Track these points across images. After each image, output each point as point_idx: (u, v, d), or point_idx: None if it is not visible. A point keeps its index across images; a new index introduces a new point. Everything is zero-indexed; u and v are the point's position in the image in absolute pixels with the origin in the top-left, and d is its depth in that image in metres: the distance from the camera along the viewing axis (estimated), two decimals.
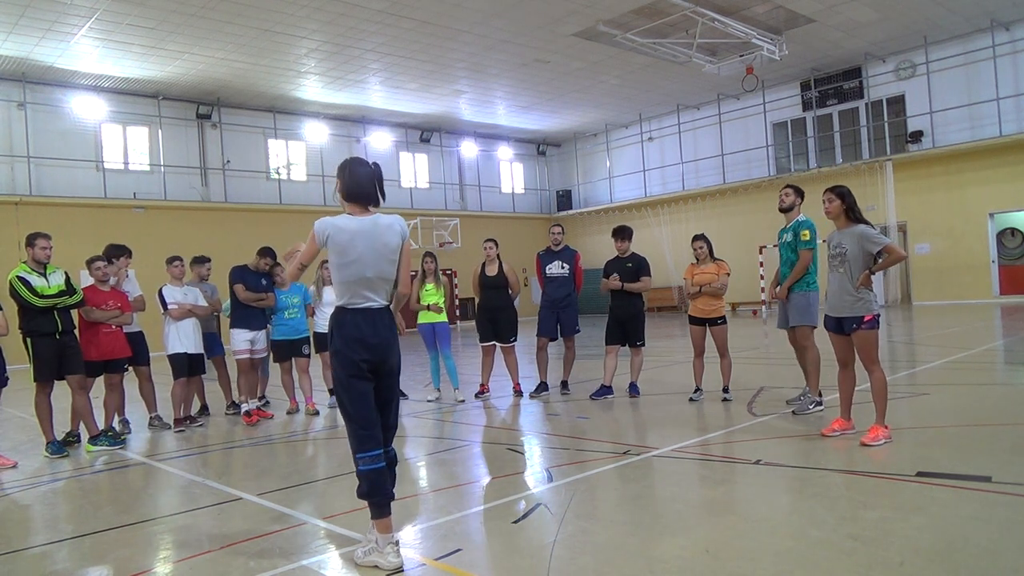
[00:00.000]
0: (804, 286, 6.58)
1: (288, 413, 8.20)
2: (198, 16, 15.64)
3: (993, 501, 3.86)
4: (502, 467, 5.42)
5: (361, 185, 3.58)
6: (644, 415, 7.11)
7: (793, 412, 6.54)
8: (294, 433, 7.29)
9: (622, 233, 8.04)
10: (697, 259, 7.60)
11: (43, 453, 6.54)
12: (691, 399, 7.44)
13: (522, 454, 5.85)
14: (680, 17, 17.27)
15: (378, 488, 3.45)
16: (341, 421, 4.11)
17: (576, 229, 28.99)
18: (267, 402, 8.55)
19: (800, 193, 6.83)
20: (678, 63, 20.33)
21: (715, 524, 3.82)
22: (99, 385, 7.21)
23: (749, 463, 4.96)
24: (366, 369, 3.50)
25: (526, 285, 26.53)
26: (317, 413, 8.05)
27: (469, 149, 28.68)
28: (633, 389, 7.97)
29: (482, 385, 8.62)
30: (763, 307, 22.57)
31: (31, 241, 6.58)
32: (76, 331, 6.77)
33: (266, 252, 8.04)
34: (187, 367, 7.61)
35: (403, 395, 8.92)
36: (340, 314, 3.56)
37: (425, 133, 27.02)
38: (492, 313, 8.45)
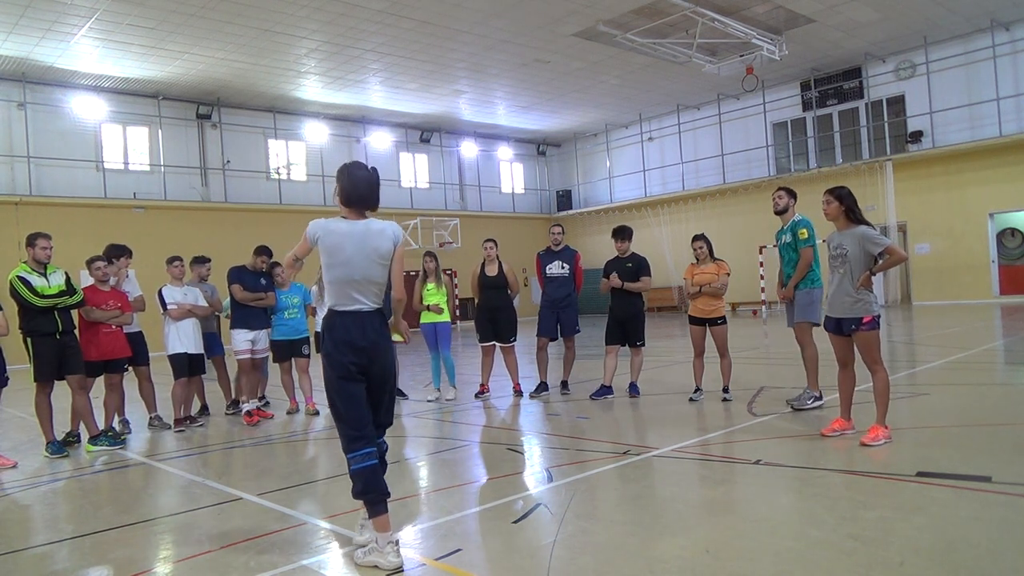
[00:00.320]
0: (808, 283, 6.64)
1: (288, 413, 8.20)
2: (198, 16, 15.64)
3: (993, 501, 3.86)
4: (502, 467, 5.42)
5: (358, 191, 3.62)
6: (644, 415, 7.11)
7: (792, 408, 6.55)
8: (294, 433, 7.30)
9: (622, 233, 8.04)
10: (697, 259, 7.60)
11: (43, 453, 6.54)
12: (691, 399, 7.44)
13: (522, 454, 5.84)
14: (680, 17, 17.27)
15: (372, 485, 3.46)
16: None
17: (576, 229, 28.99)
18: (267, 402, 8.55)
19: (793, 194, 6.92)
20: (678, 63, 20.34)
21: (715, 524, 3.82)
22: (99, 385, 7.21)
23: (749, 463, 4.96)
24: (355, 371, 3.53)
25: (526, 285, 26.52)
26: (317, 413, 8.05)
27: (469, 149, 28.68)
28: (633, 389, 7.97)
29: (482, 385, 8.61)
30: (763, 307, 22.57)
31: (31, 241, 6.58)
32: (76, 331, 6.77)
33: (262, 250, 8.05)
34: (187, 367, 7.61)
35: (403, 395, 8.93)
36: (330, 317, 3.61)
37: (425, 133, 27.02)
38: (492, 313, 8.45)
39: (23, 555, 3.95)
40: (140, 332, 7.66)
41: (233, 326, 7.96)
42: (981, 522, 3.54)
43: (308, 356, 8.35)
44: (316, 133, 24.40)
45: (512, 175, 30.73)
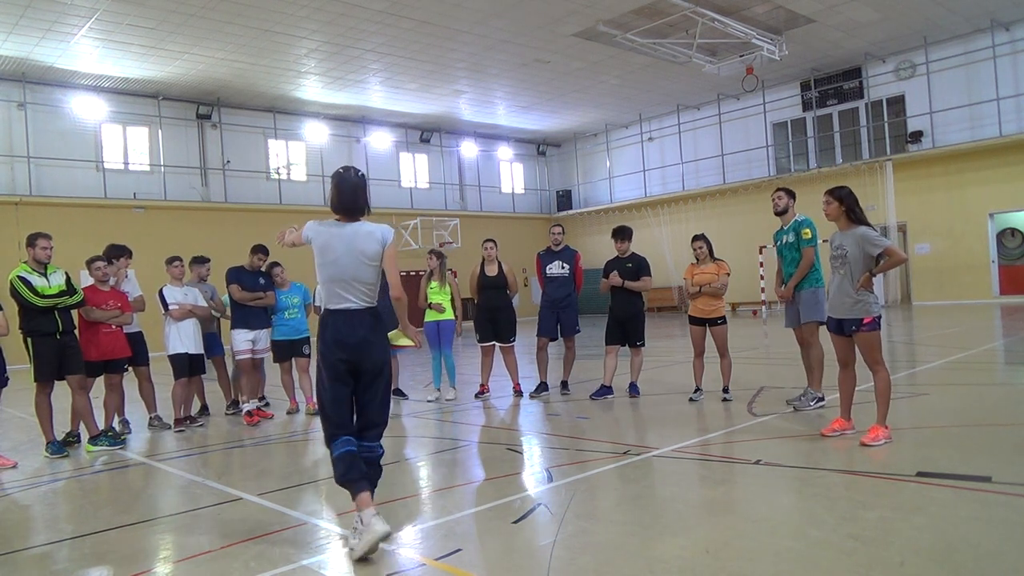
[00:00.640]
0: (812, 283, 6.62)
1: (288, 413, 8.20)
2: (198, 16, 15.64)
3: (993, 501, 3.86)
4: (502, 467, 5.42)
5: (343, 199, 3.79)
6: (644, 415, 7.11)
7: (793, 408, 6.56)
8: (294, 433, 7.30)
9: (622, 233, 8.04)
10: (697, 259, 7.60)
11: (43, 453, 6.53)
12: (691, 399, 7.44)
13: (522, 454, 5.85)
14: (680, 17, 17.27)
15: (352, 466, 3.61)
16: None
17: (576, 229, 28.99)
18: (267, 402, 8.54)
19: (792, 194, 6.91)
20: (678, 63, 20.33)
21: (715, 524, 3.82)
22: (99, 385, 7.21)
23: (749, 463, 4.96)
24: (344, 370, 3.68)
25: (526, 285, 26.53)
26: (317, 413, 8.04)
27: (469, 149, 28.68)
28: (633, 389, 7.97)
29: (482, 385, 8.61)
30: (763, 307, 22.57)
31: (32, 241, 6.58)
32: (76, 331, 6.77)
33: (259, 248, 8.06)
34: (187, 367, 7.61)
35: (403, 395, 8.93)
36: (324, 316, 3.81)
37: (425, 133, 27.02)
38: (492, 313, 8.45)
39: (23, 555, 3.95)
40: (140, 332, 7.66)
41: (233, 326, 7.97)
42: (981, 522, 3.54)
43: (308, 356, 8.34)
44: (316, 133, 24.40)
45: (512, 175, 30.73)
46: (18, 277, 6.38)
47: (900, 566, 3.06)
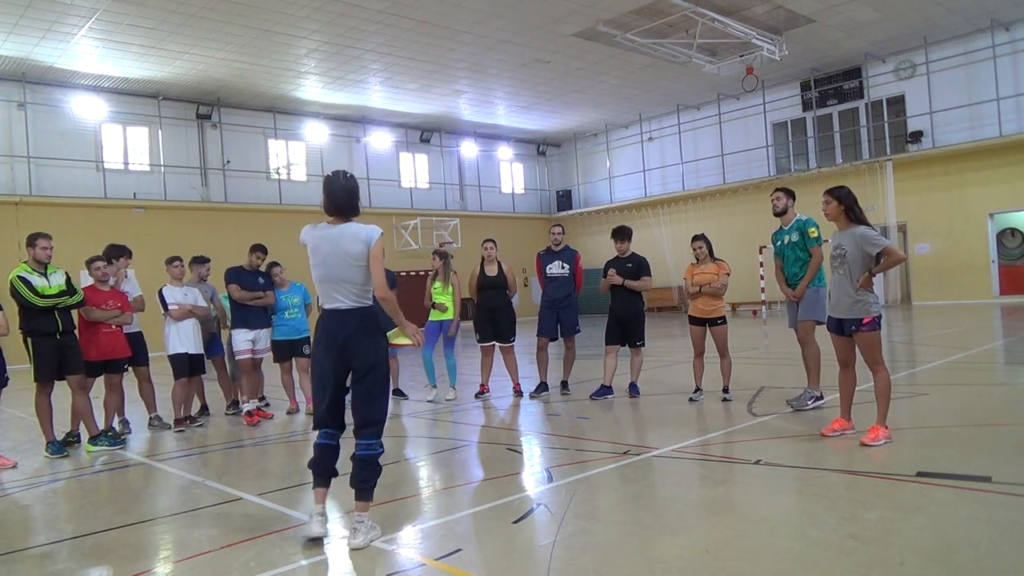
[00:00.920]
0: (814, 281, 6.61)
1: (288, 413, 8.20)
2: (198, 16, 15.64)
3: (993, 501, 3.86)
4: (502, 467, 5.42)
5: (336, 203, 3.90)
6: (644, 415, 7.11)
7: (793, 408, 6.56)
8: (294, 433, 7.29)
9: (621, 234, 8.04)
10: (697, 259, 7.60)
11: (43, 453, 6.54)
12: (691, 399, 7.44)
13: (522, 454, 5.85)
14: (680, 17, 17.27)
15: (319, 462, 3.85)
16: None
17: (576, 229, 28.99)
18: (267, 403, 8.54)
19: (791, 194, 6.86)
20: (678, 63, 20.33)
21: (715, 524, 3.82)
22: (99, 385, 7.21)
23: (749, 463, 4.96)
24: (330, 367, 3.82)
25: (526, 285, 26.53)
26: None
27: (469, 149, 28.67)
28: (633, 389, 7.97)
29: (482, 385, 8.62)
30: (763, 307, 22.57)
31: (32, 241, 6.58)
32: (76, 331, 6.77)
33: (257, 248, 8.07)
34: (187, 367, 7.61)
35: (403, 395, 8.93)
36: (320, 315, 3.99)
37: (425, 133, 27.02)
38: (492, 313, 8.45)
39: (23, 555, 3.95)
40: (140, 332, 7.66)
41: (233, 326, 7.98)
42: (981, 522, 3.54)
43: (308, 356, 8.33)
44: (316, 133, 24.39)
45: (512, 175, 30.72)
46: (18, 277, 6.38)
47: (900, 566, 3.06)
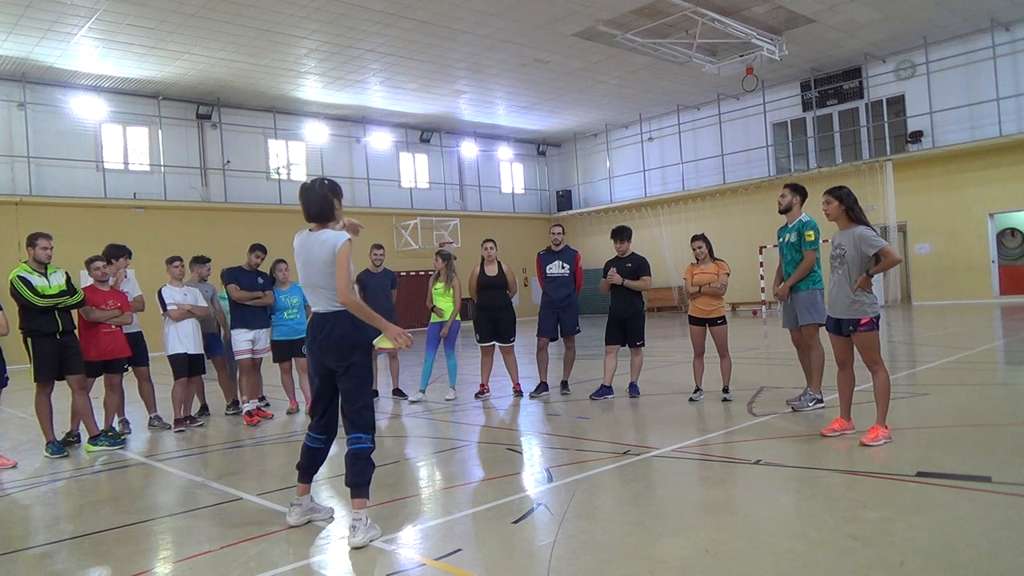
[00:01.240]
0: (811, 284, 6.57)
1: (288, 413, 8.20)
2: (198, 16, 15.64)
3: (993, 501, 3.86)
4: (502, 467, 5.42)
5: (307, 209, 4.02)
6: (644, 415, 7.11)
7: (792, 409, 6.56)
8: (294, 433, 7.29)
9: (621, 234, 8.04)
10: (697, 259, 7.60)
11: (43, 453, 6.54)
12: (691, 399, 7.44)
13: (522, 454, 5.85)
14: (680, 17, 17.28)
15: (303, 461, 4.09)
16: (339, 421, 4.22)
17: (576, 229, 28.99)
18: (267, 403, 8.55)
19: (799, 191, 6.72)
20: (678, 63, 20.34)
21: (715, 524, 3.82)
22: (99, 385, 7.21)
23: (749, 463, 4.96)
24: (314, 368, 4.01)
25: (526, 285, 26.54)
26: None
27: (469, 149, 28.68)
28: (633, 389, 7.98)
29: (482, 385, 8.62)
30: (763, 307, 22.58)
31: (32, 241, 6.59)
32: (76, 331, 6.77)
33: (256, 247, 8.09)
34: (187, 367, 7.61)
35: (403, 395, 8.93)
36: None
37: (425, 133, 27.02)
38: (492, 313, 8.45)
39: (23, 555, 3.95)
40: (140, 332, 7.66)
41: (233, 326, 7.98)
42: (981, 522, 3.54)
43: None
44: (316, 133, 24.40)
45: (512, 175, 30.72)
46: (18, 277, 6.39)
47: (900, 566, 3.06)
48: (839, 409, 5.62)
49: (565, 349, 8.62)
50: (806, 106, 23.99)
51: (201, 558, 3.68)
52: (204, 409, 8.44)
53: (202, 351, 7.86)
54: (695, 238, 7.63)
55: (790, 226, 6.71)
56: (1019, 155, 19.39)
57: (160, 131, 21.09)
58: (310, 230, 4.04)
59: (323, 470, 5.72)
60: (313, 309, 4.04)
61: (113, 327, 7.03)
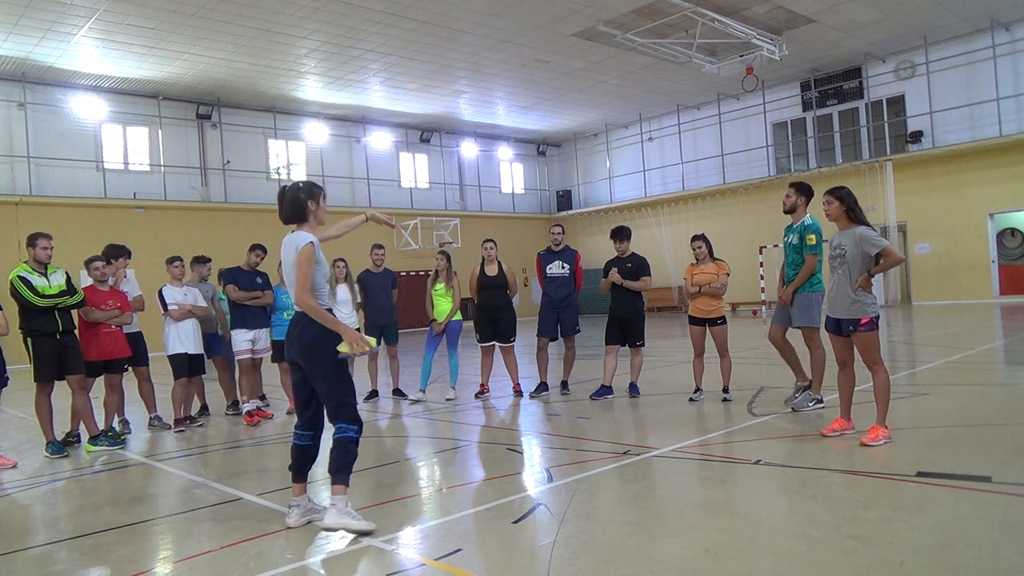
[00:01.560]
0: (808, 287, 6.54)
1: (288, 413, 8.19)
2: (198, 16, 15.64)
3: (993, 501, 3.86)
4: (502, 467, 5.42)
5: (284, 214, 4.14)
6: (644, 415, 7.11)
7: (792, 409, 6.55)
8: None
9: (620, 234, 8.04)
10: (697, 259, 7.60)
11: (43, 453, 6.54)
12: (691, 399, 7.44)
13: (522, 454, 5.85)
14: (680, 17, 17.28)
15: (294, 461, 4.13)
16: None
17: (576, 229, 28.99)
18: (268, 403, 8.54)
19: (804, 191, 6.63)
20: (678, 63, 20.34)
21: (715, 524, 3.82)
22: (99, 385, 7.21)
23: (749, 463, 4.96)
24: (294, 364, 4.08)
25: (526, 285, 26.53)
26: None
27: (469, 149, 28.67)
28: (633, 389, 7.98)
29: (482, 385, 8.62)
30: (763, 307, 22.57)
31: (32, 241, 6.59)
32: (76, 331, 6.77)
33: (256, 247, 8.10)
34: (187, 367, 7.61)
35: (403, 395, 8.93)
36: None
37: (425, 133, 27.02)
38: (493, 313, 8.45)
39: (23, 555, 3.95)
40: (139, 332, 7.66)
41: (232, 326, 7.98)
42: (981, 522, 3.54)
43: None
44: (316, 133, 24.39)
45: (512, 175, 30.72)
46: (18, 277, 6.39)
47: (900, 566, 3.06)
48: (839, 409, 5.62)
49: (565, 349, 8.62)
50: (806, 106, 23.99)
51: (201, 558, 3.68)
52: (204, 409, 8.44)
53: (202, 351, 7.86)
54: (695, 238, 7.63)
55: (793, 227, 6.67)
56: (1019, 155, 19.39)
57: (160, 131, 21.09)
58: (291, 232, 4.16)
59: (323, 470, 5.73)
60: (295, 307, 4.10)
61: (113, 327, 7.02)
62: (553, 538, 3.63)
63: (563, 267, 8.43)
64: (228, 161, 22.33)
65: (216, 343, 8.38)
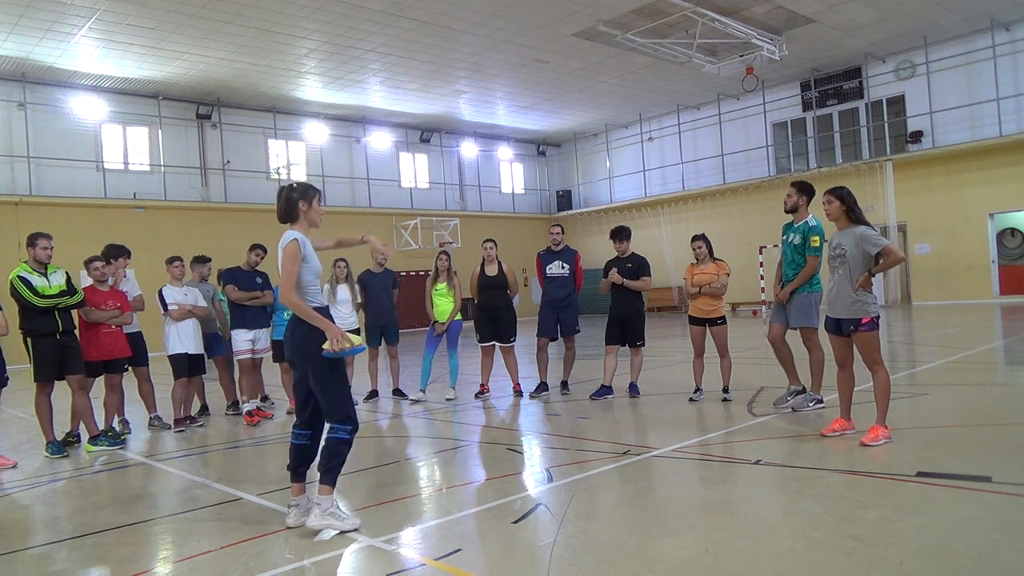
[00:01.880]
0: (808, 287, 6.52)
1: (288, 413, 8.18)
2: (198, 16, 15.64)
3: (993, 501, 3.86)
4: (502, 467, 5.42)
5: (279, 213, 4.20)
6: (644, 415, 7.11)
7: (792, 409, 6.55)
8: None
9: (620, 234, 8.04)
10: (697, 259, 7.60)
11: (43, 453, 6.54)
12: (691, 399, 7.44)
13: (522, 454, 5.85)
14: (680, 17, 17.27)
15: (292, 460, 4.16)
16: None
17: (576, 229, 29.00)
18: (272, 403, 8.54)
19: (806, 191, 6.58)
20: (678, 63, 20.34)
21: (715, 524, 3.82)
22: (99, 385, 7.21)
23: (749, 463, 4.96)
24: (291, 364, 4.15)
25: (526, 285, 26.52)
26: None
27: (469, 149, 28.67)
28: (633, 389, 7.98)
29: (482, 385, 8.62)
30: (763, 307, 22.57)
31: (32, 241, 6.59)
32: (76, 331, 6.77)
33: (256, 246, 8.11)
34: (187, 367, 7.61)
35: (403, 395, 8.93)
36: None
37: (425, 133, 27.02)
38: (493, 312, 8.45)
39: (23, 555, 3.95)
40: (139, 332, 7.66)
41: (232, 326, 7.99)
42: (981, 522, 3.54)
43: None
44: (316, 133, 24.39)
45: (512, 175, 30.72)
46: (18, 277, 6.38)
47: (900, 566, 3.06)
48: (839, 409, 5.62)
49: (565, 349, 8.62)
50: (806, 106, 23.99)
51: (201, 558, 3.68)
52: (204, 409, 8.44)
53: (202, 351, 7.86)
54: (695, 238, 7.62)
55: (795, 226, 6.62)
56: (1019, 155, 19.39)
57: (160, 131, 21.09)
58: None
59: None
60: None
61: (113, 327, 7.02)
62: (553, 538, 3.63)
63: (563, 267, 8.43)
64: (228, 161, 22.33)
65: (216, 343, 8.38)
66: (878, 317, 5.30)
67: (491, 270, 8.52)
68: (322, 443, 4.03)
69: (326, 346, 3.91)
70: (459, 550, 3.58)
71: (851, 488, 4.28)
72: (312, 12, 15.92)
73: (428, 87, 22.08)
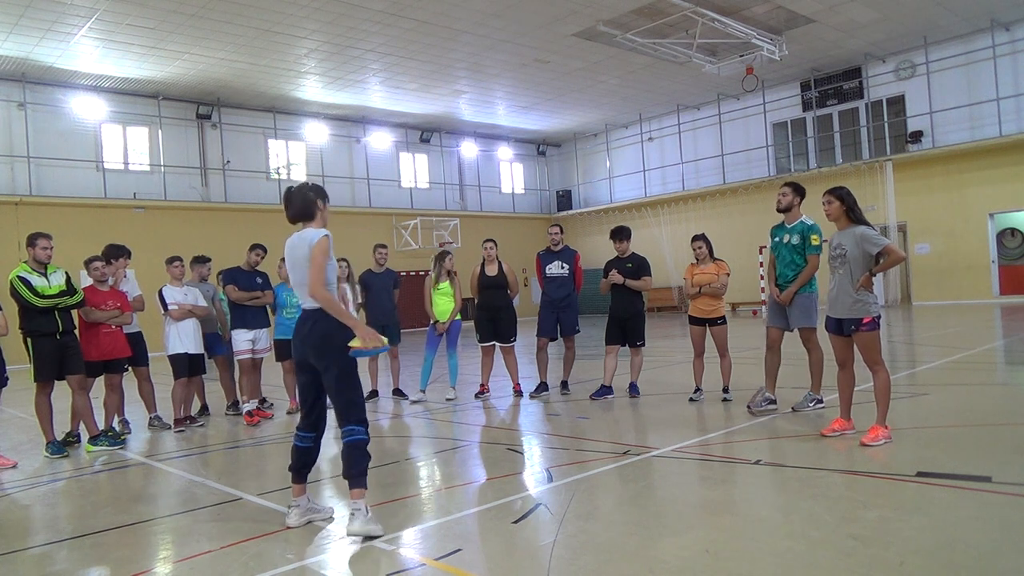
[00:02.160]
0: (807, 287, 6.52)
1: (288, 413, 8.19)
2: (198, 16, 15.64)
3: (993, 501, 3.86)
4: (502, 467, 5.42)
5: (290, 210, 4.12)
6: (644, 415, 7.11)
7: (792, 409, 6.55)
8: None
9: (620, 234, 8.04)
10: (697, 259, 7.60)
11: (43, 453, 6.54)
12: (691, 399, 7.44)
13: (522, 454, 5.85)
14: (680, 17, 17.27)
15: (295, 462, 4.10)
16: None
17: (576, 229, 28.99)
18: (271, 404, 8.54)
19: (799, 191, 6.60)
20: (678, 63, 20.34)
21: (715, 524, 3.82)
22: (99, 385, 7.21)
23: (749, 463, 4.97)
24: (299, 364, 4.06)
25: (526, 285, 26.52)
26: None
27: (469, 149, 28.67)
28: (633, 389, 7.98)
29: (482, 385, 8.62)
30: (763, 307, 22.55)
31: (32, 241, 6.59)
32: (76, 331, 6.77)
33: (256, 246, 8.12)
34: (187, 367, 7.61)
35: (403, 395, 8.93)
36: None
37: (425, 133, 27.02)
38: (493, 312, 8.45)
39: (23, 555, 3.95)
40: (139, 332, 7.66)
41: (232, 326, 7.99)
42: (981, 522, 3.54)
43: None
44: (316, 133, 24.39)
45: (512, 175, 30.72)
46: (18, 277, 6.38)
47: (900, 566, 3.06)
48: (839, 409, 5.62)
49: (565, 349, 8.62)
50: (806, 106, 23.99)
51: (201, 558, 3.68)
52: (204, 409, 8.44)
53: (202, 351, 7.86)
54: (695, 238, 7.62)
55: (788, 226, 6.61)
56: (1019, 155, 19.39)
57: (160, 131, 21.09)
58: (297, 231, 4.14)
59: (324, 469, 5.73)
60: (302, 306, 4.07)
61: (113, 327, 7.02)
62: (553, 538, 3.63)
63: (562, 267, 8.44)
64: (228, 161, 22.33)
65: (216, 343, 8.38)
66: (879, 317, 5.30)
67: (491, 270, 8.52)
68: (342, 446, 3.91)
69: (355, 343, 3.88)
70: (459, 550, 3.58)
71: (851, 488, 4.28)
72: (312, 12, 15.93)
73: (428, 87, 22.09)
